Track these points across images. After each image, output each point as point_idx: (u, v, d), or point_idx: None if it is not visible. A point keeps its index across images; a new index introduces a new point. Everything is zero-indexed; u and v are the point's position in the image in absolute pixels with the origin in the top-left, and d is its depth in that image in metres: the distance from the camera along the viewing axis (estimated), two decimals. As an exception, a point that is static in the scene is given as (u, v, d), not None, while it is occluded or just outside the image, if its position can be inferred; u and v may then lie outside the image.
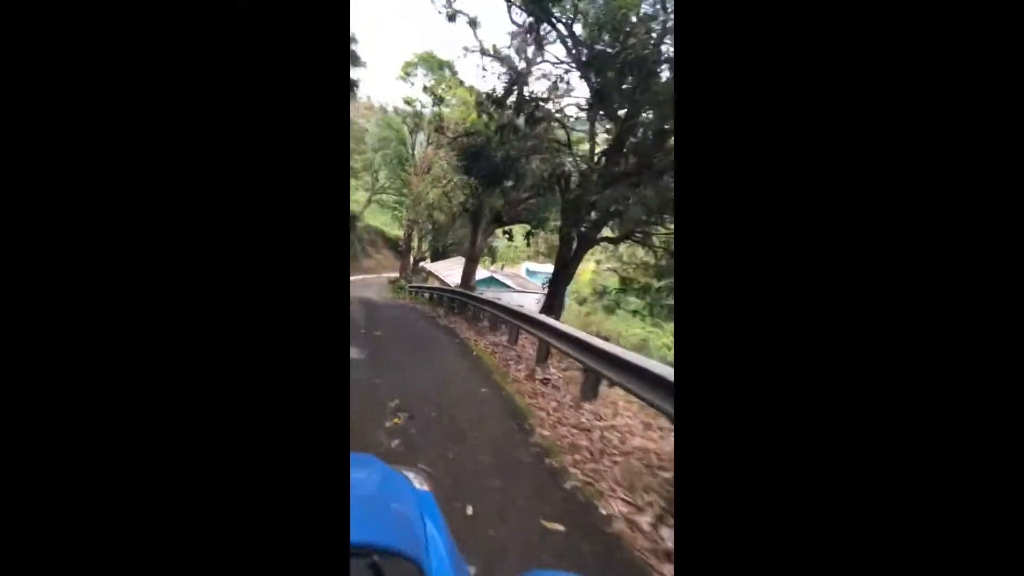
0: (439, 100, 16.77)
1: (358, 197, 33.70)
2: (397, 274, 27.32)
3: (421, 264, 29.27)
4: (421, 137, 28.12)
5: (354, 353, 5.67)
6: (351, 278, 27.40)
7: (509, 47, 11.47)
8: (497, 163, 9.12)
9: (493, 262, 28.04)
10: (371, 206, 34.01)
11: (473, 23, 14.54)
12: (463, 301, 10.28)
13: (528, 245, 17.34)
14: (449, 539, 1.08)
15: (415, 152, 28.32)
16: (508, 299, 9.57)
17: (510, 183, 9.75)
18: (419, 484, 1.30)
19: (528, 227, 16.05)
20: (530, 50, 11.43)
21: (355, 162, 31.95)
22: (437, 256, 25.06)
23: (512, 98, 12.44)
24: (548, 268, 41.89)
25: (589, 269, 51.80)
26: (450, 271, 21.42)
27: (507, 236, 16.64)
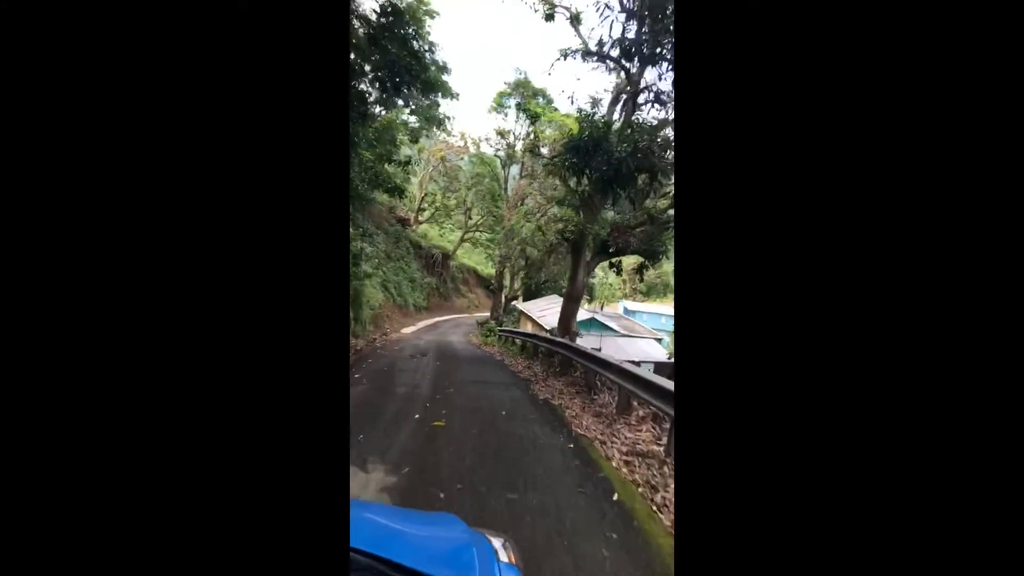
0: (534, 117, 14.30)
1: (453, 237, 32.36)
2: (488, 314, 24.93)
3: (513, 303, 26.68)
4: (514, 171, 26.19)
5: (376, 488, 2.70)
6: (441, 318, 25.53)
7: (609, 46, 8.60)
8: (622, 158, 6.04)
9: (591, 300, 24.63)
10: (464, 244, 32.42)
11: (575, 19, 12.01)
12: (567, 357, 7.15)
13: (641, 280, 14.00)
14: None
15: (508, 186, 26.30)
16: (624, 350, 6.48)
17: (637, 187, 6.59)
18: (505, 555, 1.03)
19: (639, 259, 12.74)
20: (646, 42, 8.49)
21: (449, 200, 30.77)
22: (530, 294, 22.16)
23: (620, 103, 9.55)
24: (647, 307, 37.35)
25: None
26: (544, 311, 18.38)
27: (615, 270, 13.31)
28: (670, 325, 33.47)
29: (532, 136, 13.94)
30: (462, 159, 30.82)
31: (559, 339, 8.12)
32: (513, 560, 1.03)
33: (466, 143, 30.16)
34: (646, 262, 12.49)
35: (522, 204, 22.07)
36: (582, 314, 17.87)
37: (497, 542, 1.07)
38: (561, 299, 21.37)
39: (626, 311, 32.47)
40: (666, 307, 39.26)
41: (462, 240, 31.58)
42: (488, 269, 35.12)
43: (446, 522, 1.16)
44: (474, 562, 0.91)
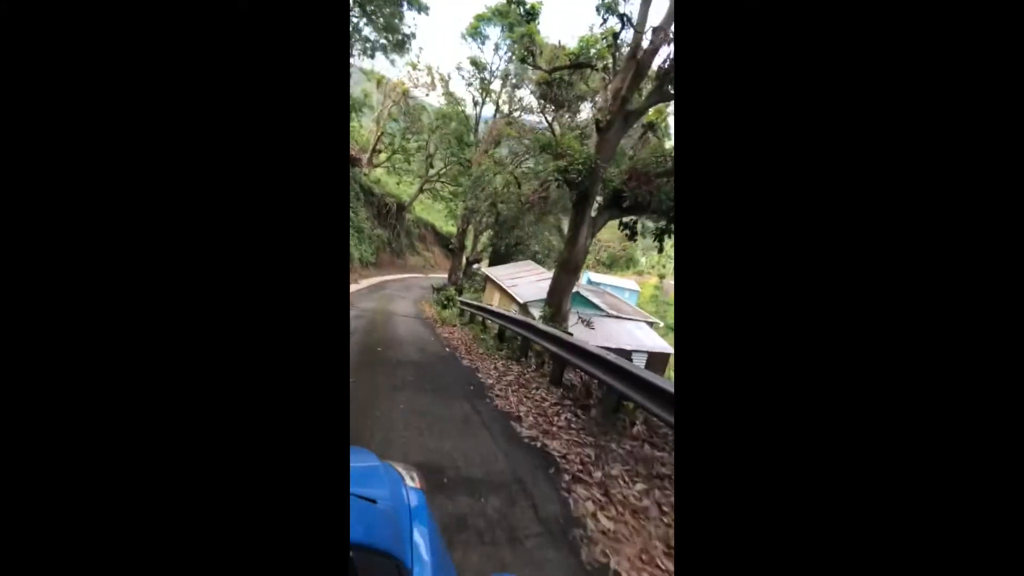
0: (530, 15, 9.87)
1: (411, 191, 27.30)
2: (445, 276, 20.71)
3: (475, 266, 22.52)
4: (488, 111, 21.56)
5: None
6: (390, 277, 21.10)
7: None
8: None
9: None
10: (423, 196, 27.51)
11: None
12: (611, 387, 3.23)
13: (660, 250, 10.24)
14: (437, 537, 0.98)
15: (479, 128, 21.63)
16: (616, 336, 3.05)
17: None
18: (411, 480, 1.14)
19: (660, 220, 8.91)
20: None
21: (408, 142, 25.68)
22: (498, 258, 17.83)
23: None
24: (610, 280, 33.92)
25: (651, 283, 43.46)
26: (516, 279, 14.35)
27: (627, 233, 9.41)
28: (633, 300, 30.28)
29: (526, 40, 9.63)
30: (427, 95, 25.72)
31: (570, 339, 4.10)
32: (419, 485, 1.11)
33: (433, 79, 24.97)
34: (667, 225, 8.68)
35: (495, 148, 17.67)
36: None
37: (404, 470, 1.15)
38: (535, 266, 17.24)
39: (589, 282, 29.00)
40: (628, 281, 36.12)
41: (421, 190, 26.66)
42: (448, 226, 30.47)
43: (359, 453, 1.18)
44: (387, 484, 0.99)
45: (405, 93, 24.81)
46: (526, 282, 13.72)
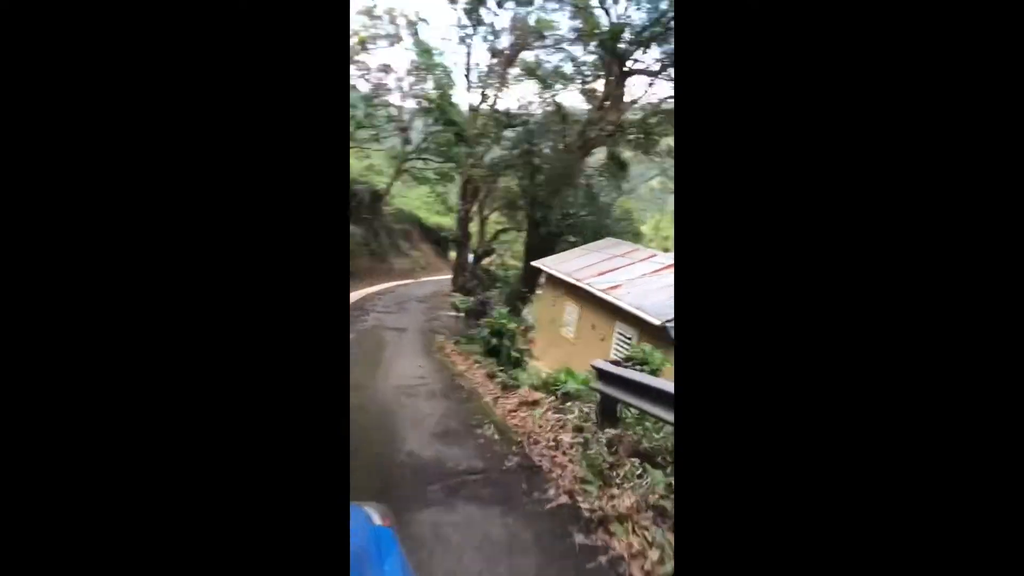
0: None
1: (381, 179, 19.95)
2: (449, 278, 13.96)
3: (484, 261, 15.81)
4: (479, 46, 14.72)
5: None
6: (373, 289, 14.20)
7: None
8: None
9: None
10: (400, 179, 20.33)
11: None
12: None
13: None
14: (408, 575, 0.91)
15: (470, 73, 14.70)
16: None
17: None
18: (379, 519, 1.06)
19: None
20: None
21: (376, 110, 18.43)
22: (540, 245, 10.79)
23: None
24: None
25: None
26: (610, 275, 7.61)
27: None
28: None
29: None
30: (392, 47, 18.58)
31: None
32: (388, 523, 1.02)
33: (397, 26, 17.85)
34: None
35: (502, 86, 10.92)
36: (661, 301, 7.34)
37: (372, 509, 1.07)
38: (627, 244, 9.32)
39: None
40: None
41: (398, 173, 19.57)
42: (435, 216, 23.54)
43: None
44: (358, 529, 0.89)
45: (363, 43, 17.62)
46: (632, 277, 7.12)
